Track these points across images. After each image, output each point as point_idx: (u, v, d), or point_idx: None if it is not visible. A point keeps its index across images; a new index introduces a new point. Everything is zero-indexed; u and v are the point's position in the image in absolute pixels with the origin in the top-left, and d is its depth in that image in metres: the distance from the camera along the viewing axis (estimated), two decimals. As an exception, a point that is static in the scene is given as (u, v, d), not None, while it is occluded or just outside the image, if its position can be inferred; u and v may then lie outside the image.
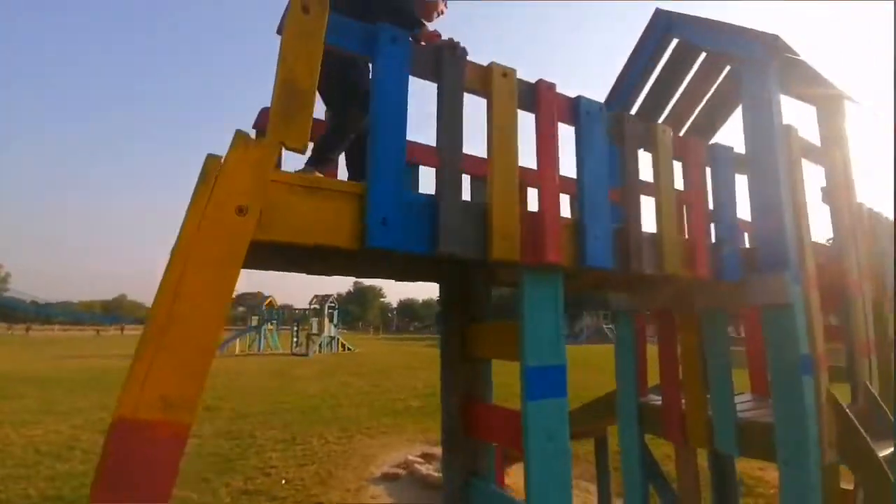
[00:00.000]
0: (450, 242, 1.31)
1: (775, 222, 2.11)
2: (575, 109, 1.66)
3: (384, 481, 5.00)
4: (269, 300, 26.31)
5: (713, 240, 2.08)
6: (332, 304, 25.63)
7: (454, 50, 1.45)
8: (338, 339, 25.12)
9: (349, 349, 24.69)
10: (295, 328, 25.36)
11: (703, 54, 2.86)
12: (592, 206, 1.62)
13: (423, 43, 1.73)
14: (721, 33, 2.35)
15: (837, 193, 2.51)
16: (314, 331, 25.04)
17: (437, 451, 5.85)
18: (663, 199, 1.86)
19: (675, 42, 2.80)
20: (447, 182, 1.34)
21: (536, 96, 1.57)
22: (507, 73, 1.51)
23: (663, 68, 2.94)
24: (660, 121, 3.24)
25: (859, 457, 1.97)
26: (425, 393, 11.18)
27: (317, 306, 25.34)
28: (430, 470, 5.04)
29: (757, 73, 2.22)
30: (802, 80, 2.39)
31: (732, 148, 2.17)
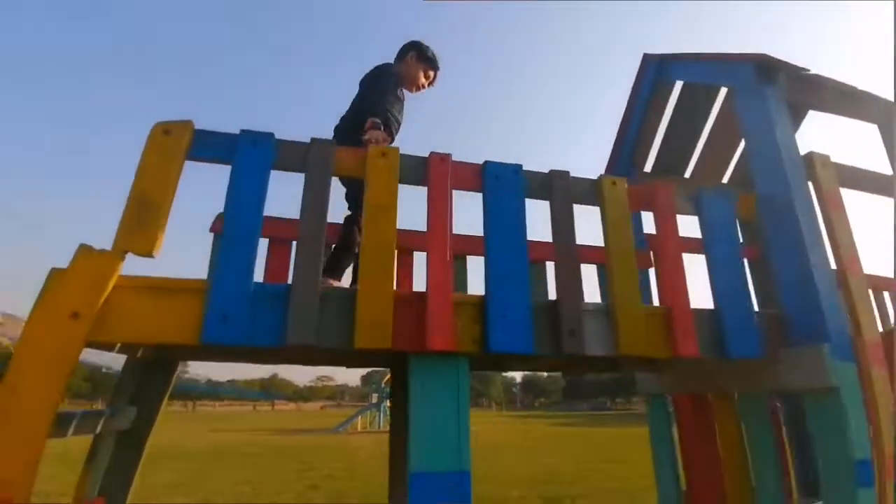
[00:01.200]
0: (300, 333, 1.25)
1: (802, 278, 1.62)
2: (481, 176, 1.54)
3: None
4: (387, 377, 27.32)
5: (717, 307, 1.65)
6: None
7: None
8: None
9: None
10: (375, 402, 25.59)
11: (723, 93, 2.48)
12: (501, 278, 1.43)
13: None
14: (708, 65, 2.04)
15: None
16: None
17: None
18: (615, 261, 1.56)
19: (679, 86, 2.49)
20: (303, 267, 1.31)
21: (427, 169, 1.50)
22: (387, 153, 1.48)
23: (674, 116, 2.62)
24: (687, 174, 2.83)
25: None
26: (534, 479, 10.18)
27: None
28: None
29: (752, 101, 1.84)
30: (828, 96, 1.91)
31: (728, 189, 1.78)
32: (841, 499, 1.41)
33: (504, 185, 1.53)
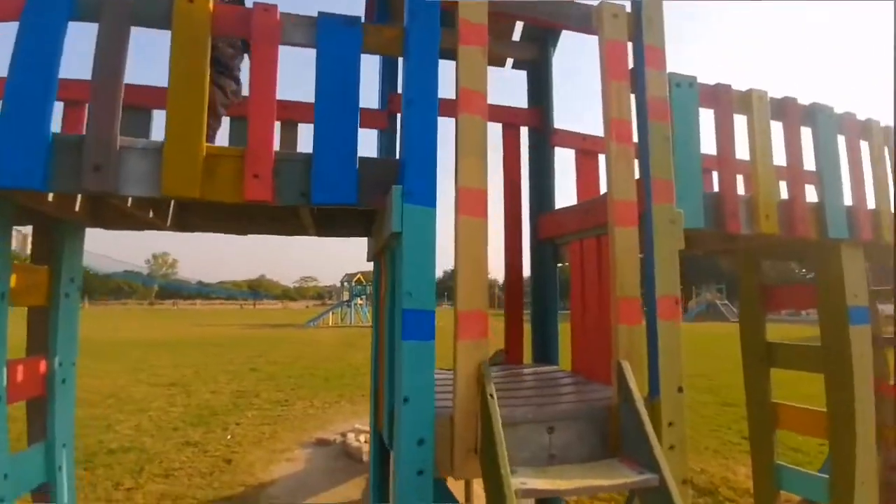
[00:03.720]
0: None
1: (406, 116, 1.46)
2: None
3: (312, 446, 4.98)
4: (357, 276, 28.14)
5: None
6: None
7: None
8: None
9: (432, 323, 25.28)
10: (381, 302, 26.62)
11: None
12: (14, 106, 1.26)
13: None
14: None
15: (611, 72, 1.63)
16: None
17: (395, 421, 5.66)
18: (174, 91, 1.37)
19: None
20: None
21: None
22: None
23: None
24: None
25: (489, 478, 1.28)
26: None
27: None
28: (360, 441, 4.86)
29: None
30: None
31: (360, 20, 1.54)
32: (397, 349, 1.40)
33: (43, 8, 1.29)
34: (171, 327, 22.63)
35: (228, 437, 5.29)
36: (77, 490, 3.67)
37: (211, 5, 1.42)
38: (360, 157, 1.51)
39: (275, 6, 1.49)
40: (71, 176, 1.30)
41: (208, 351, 13.28)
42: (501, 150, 2.53)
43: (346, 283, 28.72)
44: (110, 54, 1.35)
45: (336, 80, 1.49)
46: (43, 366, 1.67)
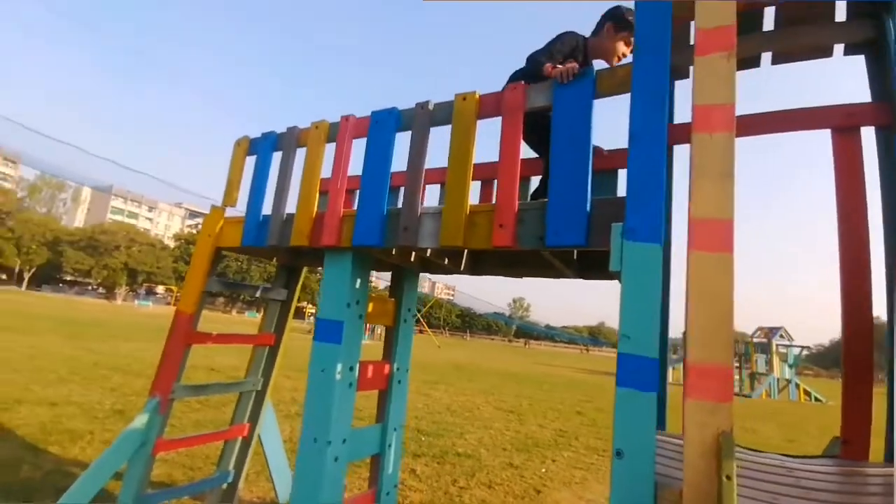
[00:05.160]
0: (270, 239, 2.29)
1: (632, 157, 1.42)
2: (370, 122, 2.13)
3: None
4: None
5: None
6: (785, 340, 21.03)
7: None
8: (796, 384, 20.18)
9: (817, 399, 19.11)
10: (736, 364, 22.26)
11: None
12: (365, 197, 2.03)
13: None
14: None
15: None
16: (760, 370, 21.38)
17: None
18: (452, 167, 1.83)
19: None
20: (277, 204, 2.33)
21: (339, 129, 2.21)
22: (319, 126, 2.28)
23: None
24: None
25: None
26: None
27: (763, 340, 21.52)
28: None
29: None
30: None
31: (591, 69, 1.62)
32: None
33: (382, 127, 2.06)
34: (520, 362, 26.04)
35: (543, 470, 5.65)
36: (427, 477, 4.88)
37: (477, 97, 1.85)
38: (595, 199, 1.56)
39: (522, 85, 1.78)
40: (393, 236, 1.94)
41: (544, 388, 14.56)
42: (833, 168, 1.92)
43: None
44: (416, 152, 1.95)
45: (568, 127, 1.61)
46: (387, 368, 2.43)
